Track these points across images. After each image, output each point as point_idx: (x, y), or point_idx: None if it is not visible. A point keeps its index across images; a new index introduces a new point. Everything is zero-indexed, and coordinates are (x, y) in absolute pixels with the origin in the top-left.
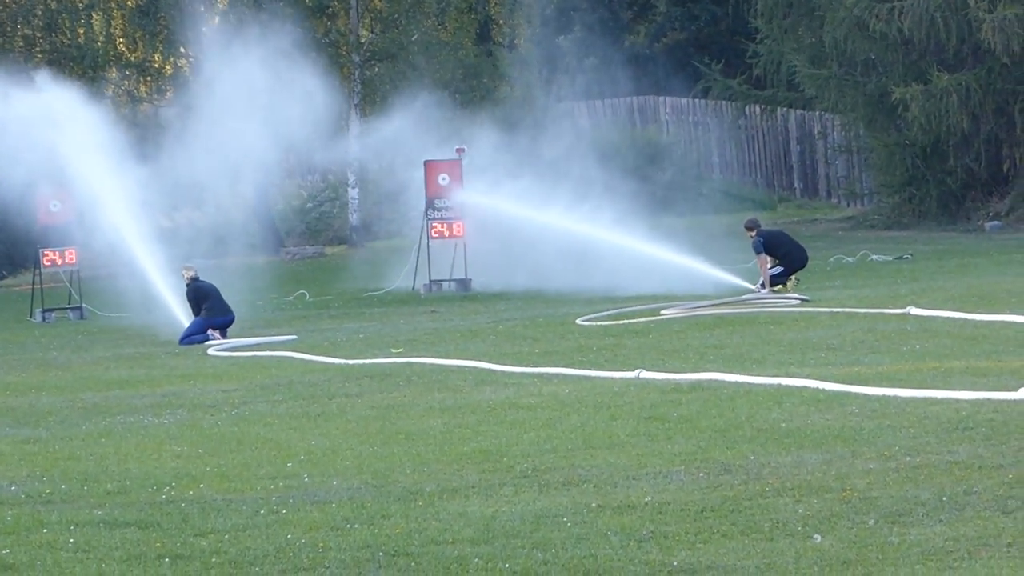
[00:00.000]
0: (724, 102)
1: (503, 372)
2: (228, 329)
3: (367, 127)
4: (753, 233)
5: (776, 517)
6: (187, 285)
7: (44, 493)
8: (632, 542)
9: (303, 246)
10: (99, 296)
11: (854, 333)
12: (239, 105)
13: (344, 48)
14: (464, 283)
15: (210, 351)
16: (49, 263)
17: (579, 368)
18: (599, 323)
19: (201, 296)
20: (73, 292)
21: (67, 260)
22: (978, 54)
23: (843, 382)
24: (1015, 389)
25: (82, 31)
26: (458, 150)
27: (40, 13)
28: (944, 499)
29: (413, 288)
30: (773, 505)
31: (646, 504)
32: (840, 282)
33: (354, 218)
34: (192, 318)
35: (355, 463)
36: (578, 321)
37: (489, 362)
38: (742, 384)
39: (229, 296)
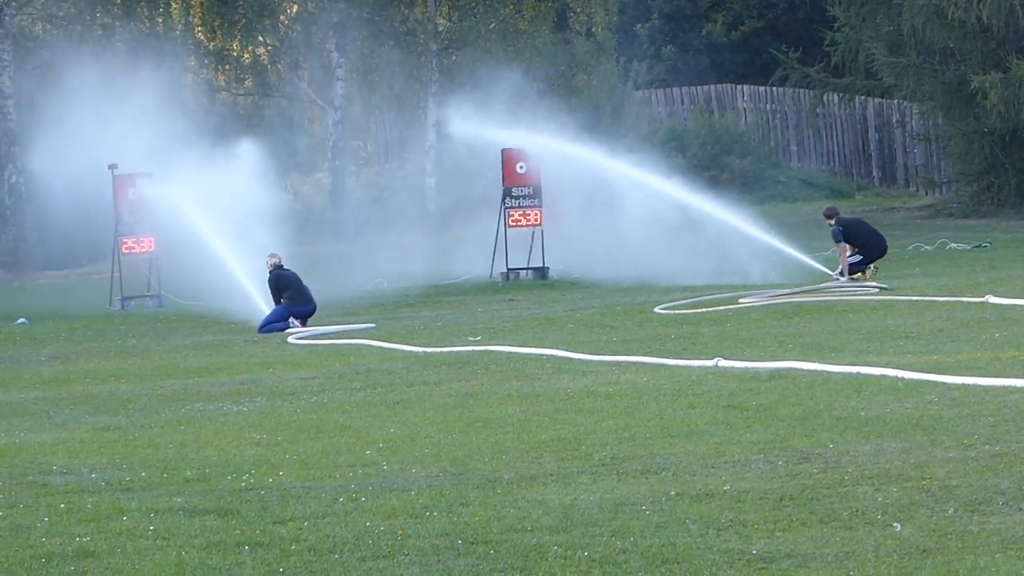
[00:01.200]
0: (802, 90)
1: (581, 360)
2: (309, 318)
3: (444, 115)
4: (832, 221)
5: (855, 505)
6: (270, 272)
7: (124, 481)
8: (711, 530)
9: (380, 234)
10: (177, 283)
11: (933, 321)
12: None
13: (422, 36)
14: (541, 271)
15: (289, 339)
16: (128, 251)
17: (657, 356)
18: (677, 311)
19: (283, 284)
20: (152, 280)
21: (146, 248)
22: None
23: (922, 370)
24: None
25: (161, 20)
26: None
27: (119, 1)
28: None
29: (491, 276)
30: (852, 493)
31: (725, 492)
32: (919, 270)
33: (431, 206)
34: (272, 306)
35: (433, 451)
36: (656, 309)
37: (567, 350)
38: (821, 372)
39: (308, 283)
